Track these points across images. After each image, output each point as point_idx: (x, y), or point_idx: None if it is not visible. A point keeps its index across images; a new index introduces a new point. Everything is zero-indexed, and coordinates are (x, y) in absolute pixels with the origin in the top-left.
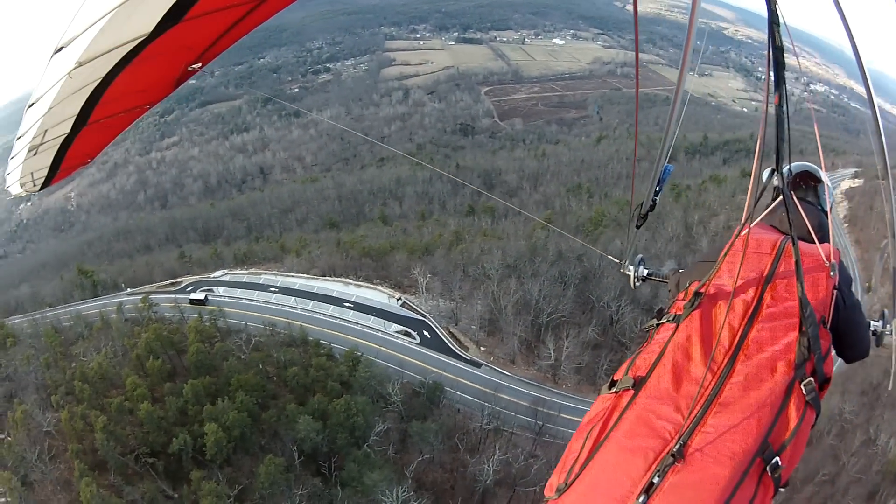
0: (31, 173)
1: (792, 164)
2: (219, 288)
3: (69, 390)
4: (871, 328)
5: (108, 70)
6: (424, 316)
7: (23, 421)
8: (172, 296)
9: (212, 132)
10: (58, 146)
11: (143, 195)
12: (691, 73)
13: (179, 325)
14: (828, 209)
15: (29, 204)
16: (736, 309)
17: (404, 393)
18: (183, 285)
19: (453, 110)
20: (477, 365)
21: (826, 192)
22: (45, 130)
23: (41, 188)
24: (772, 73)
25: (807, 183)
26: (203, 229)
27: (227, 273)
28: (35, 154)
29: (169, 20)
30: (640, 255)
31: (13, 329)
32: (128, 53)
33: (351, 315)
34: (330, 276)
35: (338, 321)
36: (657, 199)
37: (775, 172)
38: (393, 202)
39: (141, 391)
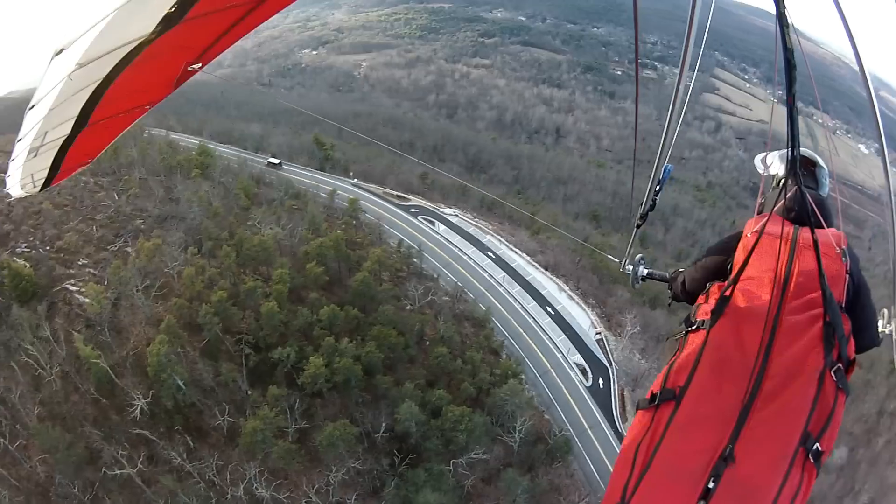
0: (31, 175)
1: (782, 151)
2: (441, 225)
3: (216, 246)
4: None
5: (108, 71)
6: (611, 363)
7: (150, 252)
8: (393, 208)
9: (524, 73)
10: (58, 147)
11: (435, 98)
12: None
13: (372, 241)
14: (824, 194)
15: (314, 53)
16: (762, 306)
17: (532, 431)
18: (408, 204)
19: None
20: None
21: (825, 177)
22: (46, 132)
23: (41, 189)
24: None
25: (806, 168)
26: (472, 158)
27: (457, 214)
28: (35, 156)
29: (169, 21)
30: (640, 255)
31: (213, 159)
32: (128, 54)
33: (546, 322)
34: (552, 271)
35: (529, 320)
36: (657, 198)
37: (788, 168)
38: (660, 226)
39: (281, 287)
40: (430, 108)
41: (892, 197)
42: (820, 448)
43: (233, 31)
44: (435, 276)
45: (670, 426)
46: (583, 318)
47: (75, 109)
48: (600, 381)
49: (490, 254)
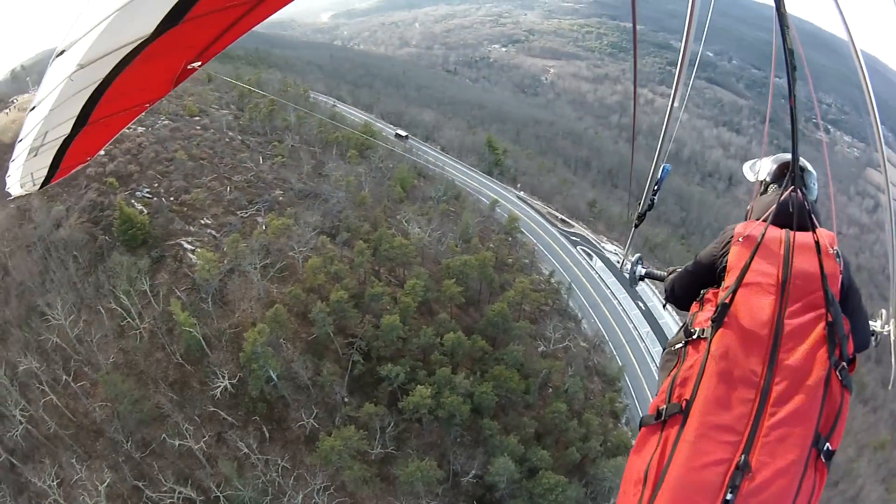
0: (31, 173)
1: (776, 156)
2: (598, 261)
3: (353, 238)
4: (870, 328)
5: (108, 71)
6: None
7: (279, 230)
8: (553, 231)
9: (705, 111)
10: (58, 147)
11: (618, 119)
12: None
13: (523, 265)
14: (813, 197)
15: (503, 49)
16: (763, 311)
17: None
18: (571, 231)
19: None
20: None
21: (813, 181)
22: (46, 132)
23: (41, 187)
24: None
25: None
26: (644, 189)
27: (617, 253)
28: (35, 155)
29: (169, 21)
30: (638, 254)
31: (376, 142)
32: (128, 55)
33: None
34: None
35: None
36: (655, 198)
37: (778, 171)
38: None
39: (409, 301)
40: (611, 128)
41: (892, 197)
42: (830, 448)
43: (233, 30)
44: (579, 316)
45: (680, 441)
46: None
47: (75, 109)
48: None
49: (640, 304)
